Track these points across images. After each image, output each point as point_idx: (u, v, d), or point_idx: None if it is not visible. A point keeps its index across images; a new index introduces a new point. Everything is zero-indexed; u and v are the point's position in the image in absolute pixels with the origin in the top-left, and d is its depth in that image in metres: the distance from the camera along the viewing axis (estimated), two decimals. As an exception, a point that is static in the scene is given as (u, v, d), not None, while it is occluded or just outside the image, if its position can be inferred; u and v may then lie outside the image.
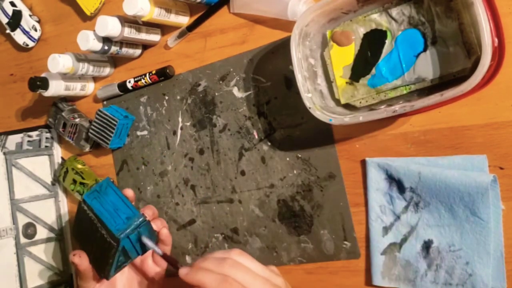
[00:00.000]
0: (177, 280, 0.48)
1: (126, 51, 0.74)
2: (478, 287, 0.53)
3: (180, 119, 0.74)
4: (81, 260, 0.55)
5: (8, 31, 0.87)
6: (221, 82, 0.70)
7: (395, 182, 0.58)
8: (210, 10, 0.70)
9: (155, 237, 0.56)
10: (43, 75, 0.77)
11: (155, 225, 0.57)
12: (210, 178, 0.72)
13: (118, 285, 0.59)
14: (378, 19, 0.56)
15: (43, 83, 0.75)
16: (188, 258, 0.74)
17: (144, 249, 0.55)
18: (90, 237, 0.55)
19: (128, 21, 0.69)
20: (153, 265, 0.60)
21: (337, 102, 0.60)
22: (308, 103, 0.57)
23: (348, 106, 0.60)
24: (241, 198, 0.70)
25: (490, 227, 0.53)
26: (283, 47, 0.65)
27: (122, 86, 0.77)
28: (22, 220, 0.78)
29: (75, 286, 0.85)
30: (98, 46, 0.70)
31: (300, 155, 0.65)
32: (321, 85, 0.61)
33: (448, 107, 0.56)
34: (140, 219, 0.52)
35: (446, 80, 0.53)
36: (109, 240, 0.52)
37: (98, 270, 0.55)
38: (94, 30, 0.68)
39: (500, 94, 0.53)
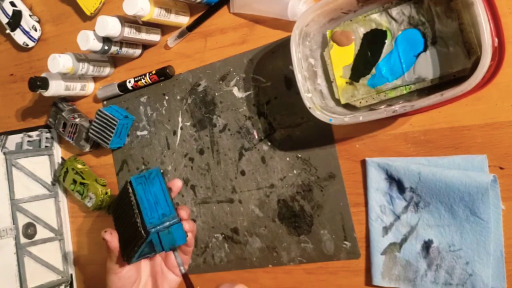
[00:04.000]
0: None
1: (126, 51, 0.74)
2: (478, 287, 0.53)
3: (180, 119, 0.74)
4: (112, 237, 0.56)
5: (8, 31, 0.87)
6: (221, 82, 0.70)
7: (395, 182, 0.58)
8: (210, 10, 0.70)
9: (185, 236, 0.57)
10: (43, 75, 0.77)
11: (186, 226, 0.58)
12: (210, 178, 0.72)
13: (143, 274, 0.60)
14: (378, 19, 0.56)
15: (43, 83, 0.75)
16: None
17: (170, 248, 0.56)
18: (125, 219, 0.56)
19: (128, 21, 0.69)
20: (175, 262, 0.61)
21: (337, 102, 0.60)
22: (308, 103, 0.57)
23: (348, 106, 0.60)
24: (241, 198, 0.70)
25: (490, 227, 0.53)
26: (283, 47, 0.65)
27: (122, 86, 0.77)
28: (22, 220, 0.78)
29: (76, 286, 0.85)
30: (98, 46, 0.70)
31: (300, 155, 0.65)
32: (321, 85, 0.61)
33: (448, 107, 0.56)
34: (174, 220, 0.53)
35: (446, 80, 0.53)
36: (140, 229, 0.53)
37: (122, 251, 0.57)
38: (94, 30, 0.68)
39: (500, 94, 0.53)
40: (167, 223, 0.53)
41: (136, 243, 0.54)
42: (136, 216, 0.54)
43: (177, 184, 0.60)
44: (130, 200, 0.56)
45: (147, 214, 0.54)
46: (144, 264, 0.61)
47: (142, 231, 0.53)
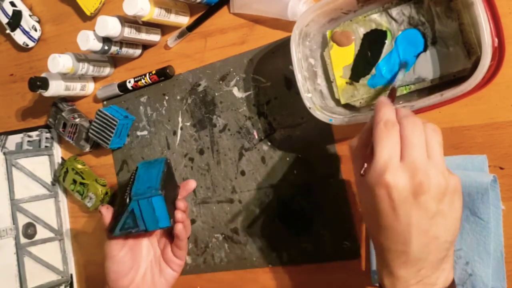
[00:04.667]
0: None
1: (126, 51, 0.74)
2: (478, 287, 0.53)
3: (180, 119, 0.74)
4: (107, 211, 0.59)
5: (8, 31, 0.87)
6: (221, 82, 0.70)
7: (395, 182, 0.58)
8: (210, 10, 0.70)
9: (169, 219, 0.58)
10: (43, 75, 0.77)
11: (178, 216, 0.60)
12: (210, 178, 0.72)
13: (141, 264, 0.62)
14: (378, 19, 0.56)
15: (43, 83, 0.75)
16: (188, 258, 0.74)
17: (151, 226, 0.57)
18: (121, 196, 0.60)
19: (128, 21, 0.69)
20: (173, 256, 0.62)
21: (337, 102, 0.60)
22: (308, 103, 0.57)
23: (348, 106, 0.60)
24: (241, 198, 0.70)
25: (490, 227, 0.53)
26: (283, 47, 0.65)
27: (122, 86, 0.77)
28: (22, 220, 0.78)
29: (76, 286, 0.85)
30: (98, 46, 0.70)
31: (300, 155, 0.65)
32: (321, 85, 0.61)
33: (448, 107, 0.56)
34: (155, 192, 0.56)
35: (446, 80, 0.53)
36: (126, 198, 0.57)
37: (111, 225, 0.59)
38: (94, 30, 0.68)
39: (500, 94, 0.53)
40: (148, 194, 0.56)
41: (121, 212, 0.57)
42: (129, 190, 0.58)
43: (190, 184, 0.63)
44: (130, 179, 0.60)
45: (135, 187, 0.58)
46: (143, 255, 0.62)
47: (127, 200, 0.56)
